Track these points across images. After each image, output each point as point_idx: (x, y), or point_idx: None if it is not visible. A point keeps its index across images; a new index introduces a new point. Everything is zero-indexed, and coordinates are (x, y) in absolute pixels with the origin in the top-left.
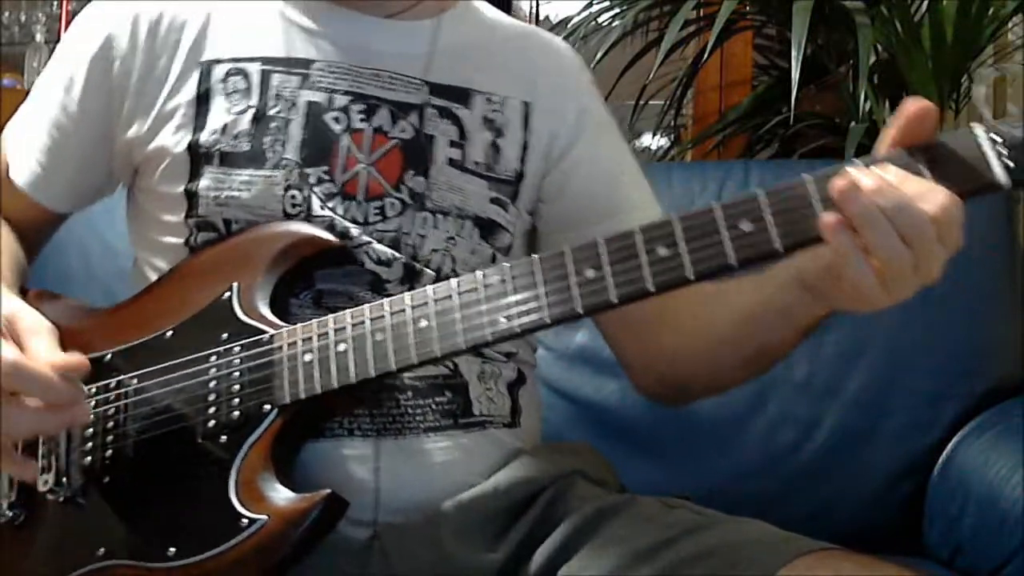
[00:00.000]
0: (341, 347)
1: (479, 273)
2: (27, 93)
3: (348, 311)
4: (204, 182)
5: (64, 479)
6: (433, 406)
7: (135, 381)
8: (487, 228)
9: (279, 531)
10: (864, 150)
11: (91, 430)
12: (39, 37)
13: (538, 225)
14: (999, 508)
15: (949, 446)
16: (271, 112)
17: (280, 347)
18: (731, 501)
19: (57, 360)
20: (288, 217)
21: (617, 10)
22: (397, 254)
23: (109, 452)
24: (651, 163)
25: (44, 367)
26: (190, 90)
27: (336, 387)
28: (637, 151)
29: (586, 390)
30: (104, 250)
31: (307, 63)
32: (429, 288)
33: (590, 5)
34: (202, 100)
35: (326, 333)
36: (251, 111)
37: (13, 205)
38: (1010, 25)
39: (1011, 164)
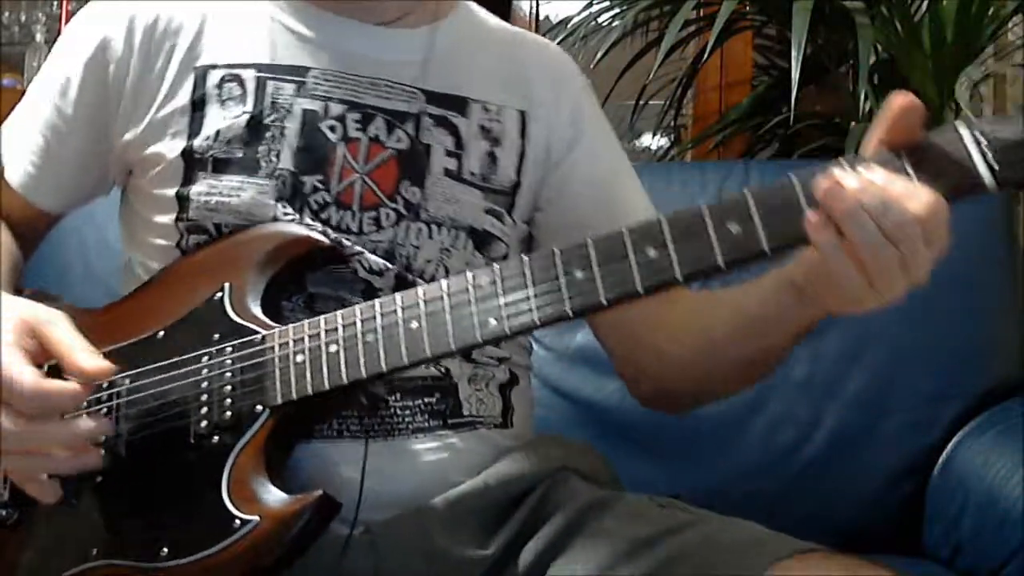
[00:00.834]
0: (332, 348)
1: (469, 274)
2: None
3: (339, 312)
4: (196, 187)
5: (57, 479)
6: (422, 407)
7: (127, 381)
8: (482, 239)
9: (271, 532)
10: None
11: None
12: (39, 37)
13: (535, 234)
14: (999, 508)
15: (949, 446)
16: (266, 120)
17: (272, 348)
18: (731, 501)
19: (92, 368)
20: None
21: (617, 10)
22: (390, 265)
23: (101, 452)
24: (651, 163)
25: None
26: (185, 95)
27: (327, 388)
28: (637, 151)
29: (586, 390)
30: (104, 249)
31: (303, 71)
32: (419, 289)
33: (590, 5)
34: (197, 106)
35: (317, 334)
36: (246, 117)
37: (8, 205)
38: (1010, 25)
39: (996, 166)
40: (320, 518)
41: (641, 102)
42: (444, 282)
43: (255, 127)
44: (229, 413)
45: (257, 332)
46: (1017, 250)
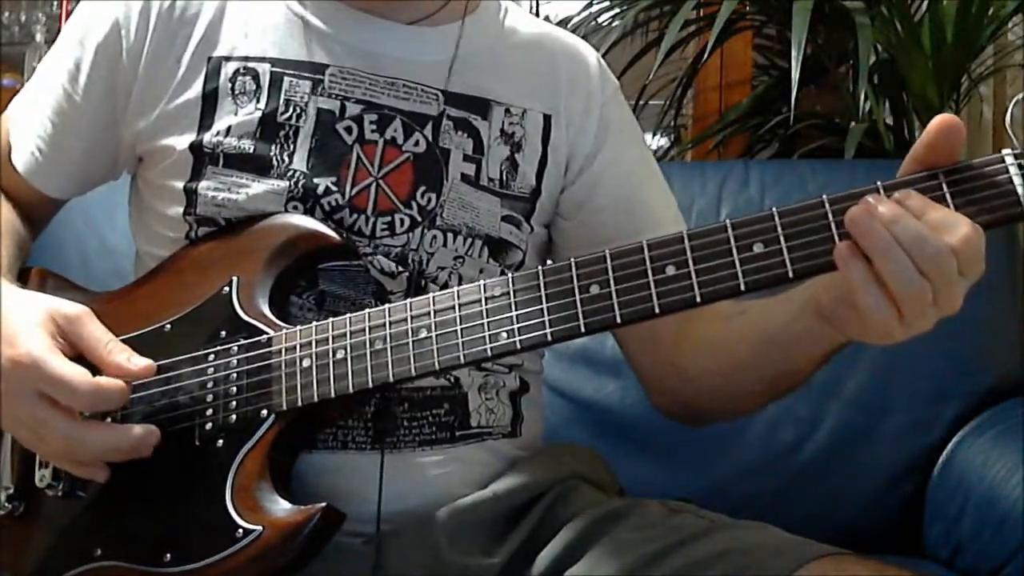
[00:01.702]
0: (340, 354)
1: (482, 283)
2: None
3: (348, 316)
4: (205, 182)
5: (62, 474)
6: (430, 419)
7: None
8: (497, 247)
9: (275, 543)
10: (864, 150)
11: None
12: (39, 37)
13: (556, 239)
14: (999, 508)
15: (949, 446)
16: (281, 118)
17: (279, 350)
18: (731, 501)
19: (136, 369)
20: None
21: (617, 10)
22: (402, 269)
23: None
24: None
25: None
26: (197, 87)
27: (333, 397)
28: None
29: (586, 390)
30: (103, 250)
31: (321, 68)
32: (431, 296)
33: (590, 5)
34: (208, 99)
35: (326, 339)
36: (259, 114)
37: (14, 187)
38: (1010, 25)
39: None
40: (325, 529)
41: (641, 102)
42: (456, 290)
43: (268, 125)
44: (235, 416)
45: (264, 332)
46: (1017, 250)
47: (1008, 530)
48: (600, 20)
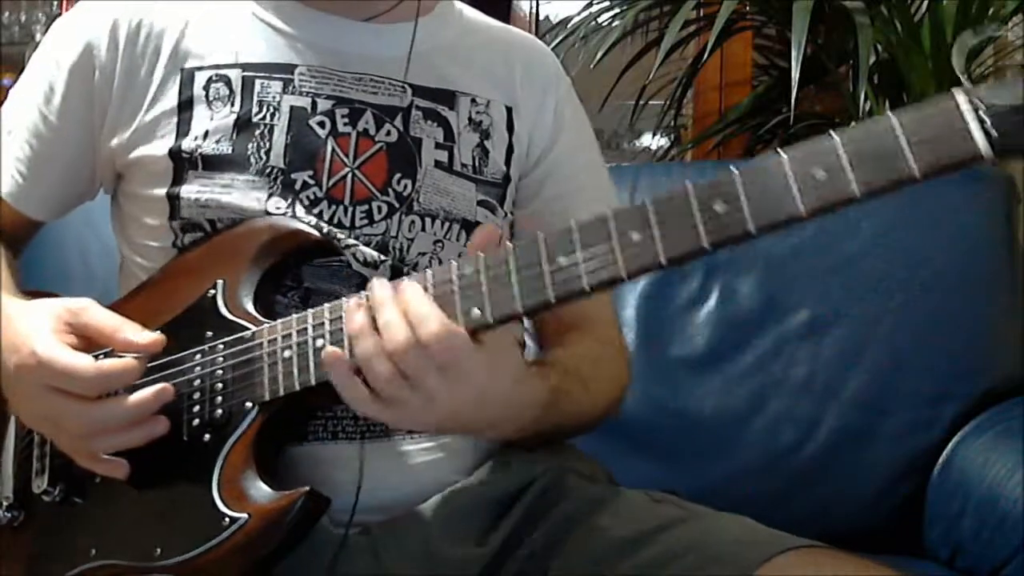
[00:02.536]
0: (319, 343)
1: (454, 263)
2: None
3: (327, 305)
4: (187, 186)
5: (58, 480)
6: None
7: None
8: (474, 231)
9: (260, 529)
10: None
11: None
12: (39, 37)
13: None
14: (999, 508)
15: (949, 446)
16: (255, 119)
17: (261, 344)
18: (731, 501)
19: (145, 342)
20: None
21: (617, 10)
22: (383, 257)
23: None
24: (651, 163)
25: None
26: (172, 98)
27: (314, 383)
28: (637, 151)
29: None
30: (103, 249)
31: (289, 68)
32: (404, 280)
33: (590, 5)
34: (184, 107)
35: (305, 329)
36: (233, 116)
37: None
38: (1010, 25)
39: (994, 133)
40: (308, 513)
41: (641, 102)
42: (428, 272)
43: (243, 125)
44: (220, 411)
45: (248, 328)
46: (1017, 250)
47: (1008, 530)
48: (600, 20)
